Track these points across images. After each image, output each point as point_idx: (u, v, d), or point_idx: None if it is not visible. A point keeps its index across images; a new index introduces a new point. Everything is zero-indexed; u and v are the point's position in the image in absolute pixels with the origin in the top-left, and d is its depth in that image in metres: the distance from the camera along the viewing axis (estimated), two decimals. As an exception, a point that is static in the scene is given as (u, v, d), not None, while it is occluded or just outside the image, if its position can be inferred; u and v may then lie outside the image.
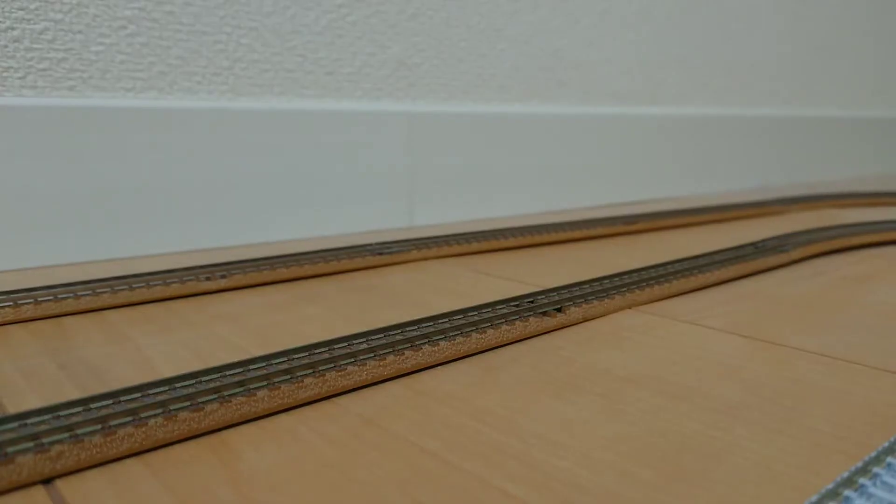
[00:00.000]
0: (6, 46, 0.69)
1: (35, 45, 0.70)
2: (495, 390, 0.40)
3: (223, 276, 0.61)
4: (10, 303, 0.52)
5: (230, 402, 0.35)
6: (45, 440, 0.30)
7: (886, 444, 0.31)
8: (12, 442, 0.30)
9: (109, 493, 0.29)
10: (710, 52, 1.45)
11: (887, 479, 0.28)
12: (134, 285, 0.57)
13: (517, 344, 0.48)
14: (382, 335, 0.44)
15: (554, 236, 0.85)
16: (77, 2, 0.72)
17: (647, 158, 1.31)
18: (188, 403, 0.34)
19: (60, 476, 0.30)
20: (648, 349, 0.47)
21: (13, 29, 0.69)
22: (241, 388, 0.36)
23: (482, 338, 0.46)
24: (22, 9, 0.69)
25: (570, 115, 1.18)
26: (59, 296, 0.54)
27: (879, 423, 0.35)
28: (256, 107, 0.85)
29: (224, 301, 0.58)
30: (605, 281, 0.59)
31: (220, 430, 0.35)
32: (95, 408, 0.33)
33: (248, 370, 0.38)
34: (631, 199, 1.29)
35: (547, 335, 0.50)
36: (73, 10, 0.72)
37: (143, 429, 0.32)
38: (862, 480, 0.28)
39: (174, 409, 0.34)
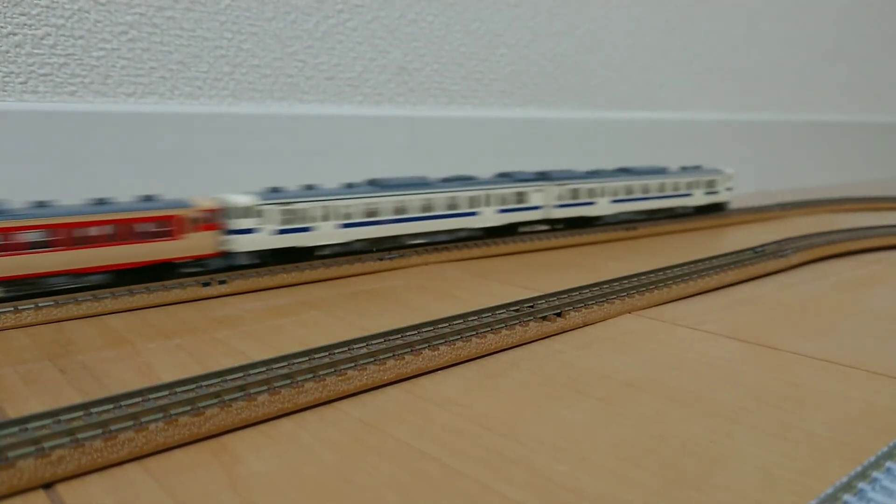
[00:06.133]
0: (8, 51, 0.69)
1: (36, 51, 0.70)
2: (495, 395, 0.40)
3: (223, 282, 0.61)
4: (11, 308, 0.52)
5: (231, 406, 0.35)
6: (45, 444, 0.31)
7: (886, 449, 0.31)
8: (13, 446, 0.30)
9: (110, 498, 0.29)
10: (710, 58, 1.45)
11: (887, 483, 0.28)
12: (135, 290, 0.57)
13: (517, 348, 0.48)
14: (383, 340, 0.44)
15: (554, 241, 0.85)
16: (78, 7, 0.72)
17: (646, 163, 1.31)
18: (189, 408, 0.34)
19: (61, 480, 0.30)
20: (648, 353, 0.47)
21: (15, 34, 0.69)
22: (242, 393, 0.36)
23: (482, 342, 0.46)
24: (23, 14, 0.69)
25: (569, 120, 1.18)
26: (60, 301, 0.54)
27: (879, 427, 0.35)
28: (257, 112, 0.85)
29: (225, 306, 0.58)
30: (605, 285, 0.59)
31: (220, 434, 0.35)
32: (96, 412, 0.33)
33: (249, 375, 0.38)
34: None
35: (547, 340, 0.50)
36: (74, 15, 0.72)
37: (144, 433, 0.32)
38: (861, 485, 0.28)
39: (175, 414, 0.34)
